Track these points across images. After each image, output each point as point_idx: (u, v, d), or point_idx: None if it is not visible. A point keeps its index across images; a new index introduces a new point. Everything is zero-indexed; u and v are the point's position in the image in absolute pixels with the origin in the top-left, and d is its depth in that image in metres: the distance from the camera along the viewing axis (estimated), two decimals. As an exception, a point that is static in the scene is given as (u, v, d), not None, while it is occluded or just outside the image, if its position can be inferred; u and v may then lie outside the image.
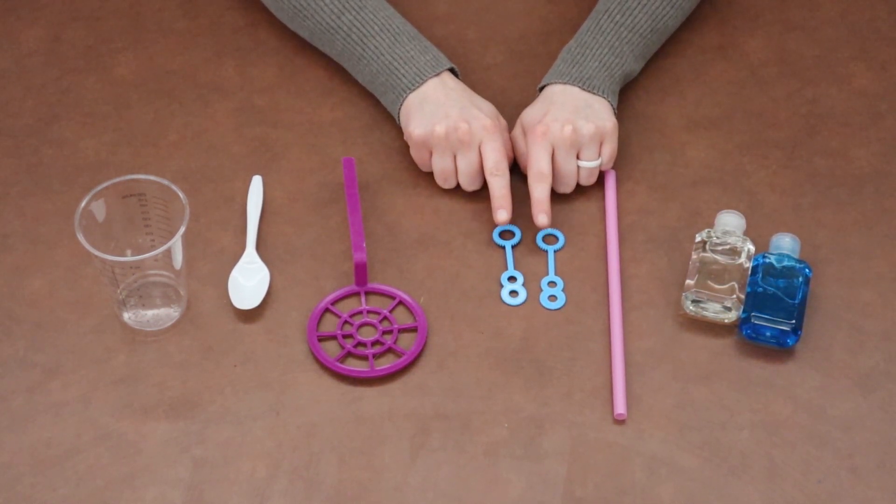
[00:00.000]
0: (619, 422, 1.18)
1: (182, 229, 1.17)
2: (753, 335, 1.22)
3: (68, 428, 1.17)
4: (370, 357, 1.20)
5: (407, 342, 1.22)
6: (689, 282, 1.24)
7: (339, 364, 1.19)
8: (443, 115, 1.28)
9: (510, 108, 1.40)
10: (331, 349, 1.22)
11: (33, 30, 1.47)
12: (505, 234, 1.31)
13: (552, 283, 1.27)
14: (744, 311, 1.22)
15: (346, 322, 1.23)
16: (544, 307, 1.26)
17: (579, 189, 1.33)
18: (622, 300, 1.26)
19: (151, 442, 1.17)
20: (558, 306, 1.25)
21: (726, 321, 1.23)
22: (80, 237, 1.16)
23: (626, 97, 1.41)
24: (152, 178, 1.20)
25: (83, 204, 1.18)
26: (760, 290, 1.22)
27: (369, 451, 1.16)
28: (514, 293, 1.27)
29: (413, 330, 1.22)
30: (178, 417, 1.18)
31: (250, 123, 1.39)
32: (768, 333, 1.21)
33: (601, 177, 1.34)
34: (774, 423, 1.18)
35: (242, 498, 1.14)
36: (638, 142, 1.37)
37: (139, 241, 1.24)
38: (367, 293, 1.25)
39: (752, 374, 1.21)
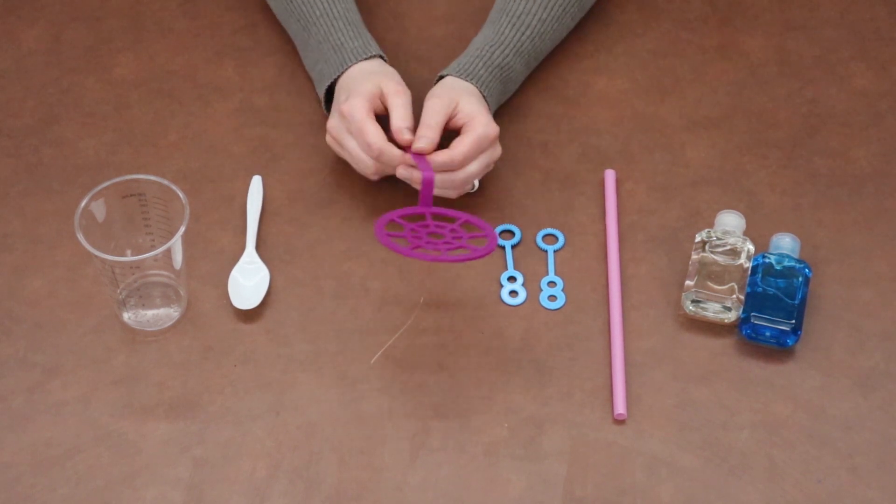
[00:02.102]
0: (619, 422, 1.18)
1: (182, 229, 1.17)
2: (753, 335, 1.22)
3: (68, 428, 1.17)
4: (443, 249, 1.18)
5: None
6: (688, 282, 1.24)
7: (412, 251, 1.16)
8: (332, 109, 1.29)
9: (510, 109, 1.40)
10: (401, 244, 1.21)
11: (33, 30, 1.47)
12: (505, 234, 1.31)
13: (552, 283, 1.27)
14: (744, 312, 1.22)
15: (413, 229, 1.20)
16: (544, 307, 1.26)
17: (579, 189, 1.33)
18: (622, 300, 1.26)
19: (151, 442, 1.17)
20: (558, 306, 1.25)
21: (726, 321, 1.23)
22: (80, 237, 1.16)
23: (626, 97, 1.41)
24: (152, 178, 1.20)
25: (83, 204, 1.18)
26: (760, 290, 1.22)
27: (369, 451, 1.16)
28: (514, 293, 1.27)
29: (482, 239, 1.20)
30: (178, 417, 1.18)
31: (250, 123, 1.39)
32: (768, 333, 1.21)
33: (601, 177, 1.34)
34: (774, 423, 1.18)
35: (242, 498, 1.14)
36: (638, 142, 1.37)
37: (139, 241, 1.24)
38: (432, 214, 1.21)
39: (752, 374, 1.21)
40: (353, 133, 1.26)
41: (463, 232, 1.21)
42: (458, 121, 1.26)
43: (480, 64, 1.31)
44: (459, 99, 1.26)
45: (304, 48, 1.37)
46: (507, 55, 1.33)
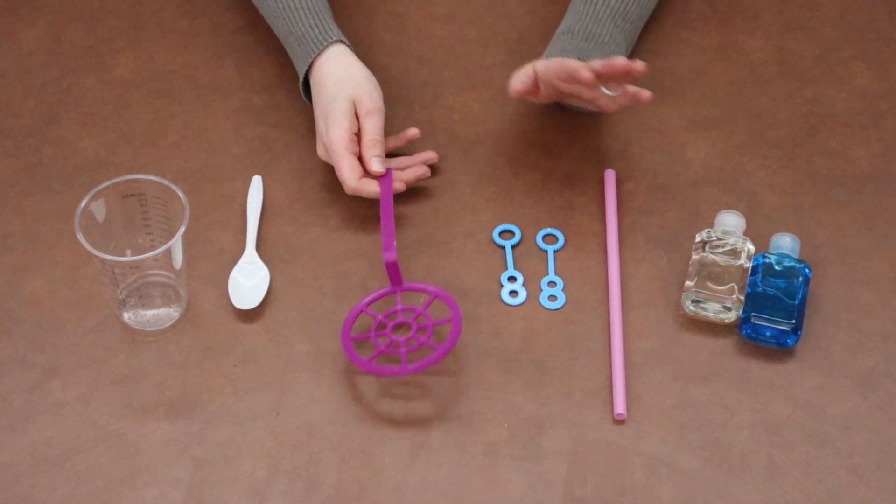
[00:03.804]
0: (619, 422, 1.18)
1: (182, 229, 1.17)
2: (753, 335, 1.22)
3: (68, 428, 1.17)
4: (403, 355, 1.19)
5: (443, 335, 1.22)
6: (688, 283, 1.24)
7: (372, 364, 1.18)
8: (317, 130, 1.30)
9: (510, 108, 1.40)
10: (365, 350, 1.22)
11: (33, 30, 1.47)
12: (505, 234, 1.31)
13: (552, 283, 1.27)
14: (744, 312, 1.22)
15: (381, 323, 1.22)
16: (544, 307, 1.26)
17: (579, 189, 1.33)
18: (622, 300, 1.26)
19: (151, 442, 1.17)
20: (558, 306, 1.25)
21: (726, 321, 1.23)
22: (80, 237, 1.16)
23: (626, 97, 1.41)
24: (152, 178, 1.20)
25: (83, 204, 1.18)
26: (760, 290, 1.22)
27: (369, 451, 1.16)
28: (514, 293, 1.27)
29: (448, 323, 1.21)
30: (178, 417, 1.18)
31: (250, 123, 1.39)
32: (768, 333, 1.21)
33: (601, 177, 1.34)
34: (774, 423, 1.18)
35: (242, 498, 1.14)
36: (638, 142, 1.37)
37: (139, 241, 1.24)
38: (402, 292, 1.24)
39: (752, 374, 1.21)
40: (333, 165, 1.28)
41: (429, 318, 1.21)
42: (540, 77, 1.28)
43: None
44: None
45: (281, 40, 1.37)
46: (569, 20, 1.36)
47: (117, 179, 1.20)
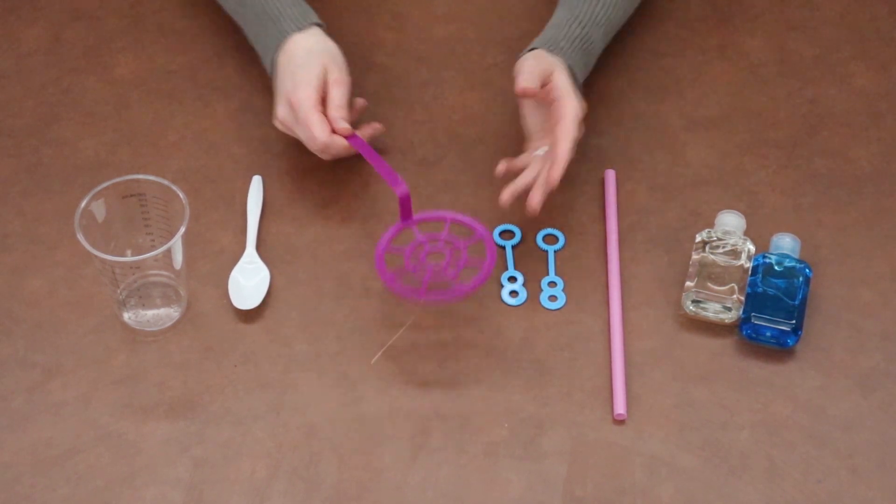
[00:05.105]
0: (619, 422, 1.18)
1: (182, 229, 1.17)
2: (753, 335, 1.22)
3: (68, 428, 1.17)
4: (451, 275, 1.19)
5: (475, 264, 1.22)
6: (688, 283, 1.24)
7: (426, 294, 1.17)
8: (279, 93, 1.29)
9: (510, 108, 1.40)
10: (395, 269, 1.22)
11: (33, 30, 1.47)
12: (505, 234, 1.31)
13: (552, 283, 1.27)
14: (744, 312, 1.22)
15: (412, 255, 1.21)
16: (544, 307, 1.26)
17: (579, 189, 1.33)
18: (622, 300, 1.26)
19: (151, 442, 1.17)
20: (558, 306, 1.25)
21: (726, 321, 1.23)
22: (80, 237, 1.16)
23: (626, 97, 1.41)
24: (152, 178, 1.20)
25: (83, 204, 1.18)
26: (760, 290, 1.22)
27: (369, 451, 1.17)
28: (514, 293, 1.27)
29: (479, 244, 1.21)
30: (178, 417, 1.18)
31: (250, 123, 1.39)
32: (768, 333, 1.21)
33: (601, 177, 1.34)
34: (774, 423, 1.18)
35: (242, 498, 1.14)
36: (638, 142, 1.37)
37: (139, 241, 1.24)
38: (417, 224, 1.21)
39: (752, 374, 1.21)
40: (300, 124, 1.27)
41: (459, 240, 1.20)
42: (550, 92, 1.26)
43: (561, 36, 1.31)
44: (553, 70, 1.27)
45: (244, 24, 1.36)
46: (586, 26, 1.32)
47: (117, 179, 1.20)
